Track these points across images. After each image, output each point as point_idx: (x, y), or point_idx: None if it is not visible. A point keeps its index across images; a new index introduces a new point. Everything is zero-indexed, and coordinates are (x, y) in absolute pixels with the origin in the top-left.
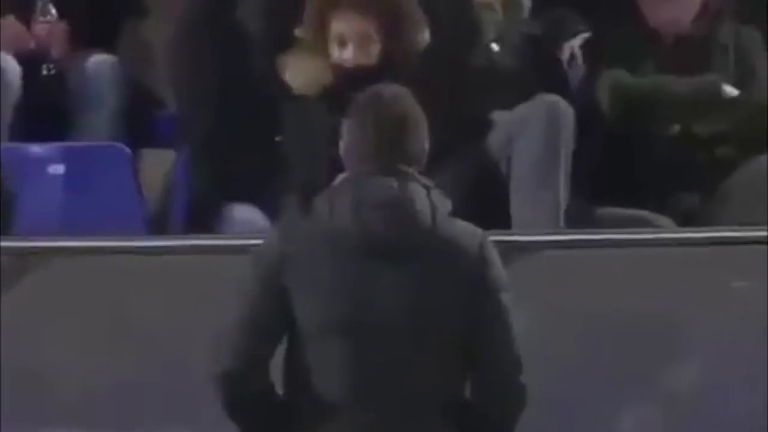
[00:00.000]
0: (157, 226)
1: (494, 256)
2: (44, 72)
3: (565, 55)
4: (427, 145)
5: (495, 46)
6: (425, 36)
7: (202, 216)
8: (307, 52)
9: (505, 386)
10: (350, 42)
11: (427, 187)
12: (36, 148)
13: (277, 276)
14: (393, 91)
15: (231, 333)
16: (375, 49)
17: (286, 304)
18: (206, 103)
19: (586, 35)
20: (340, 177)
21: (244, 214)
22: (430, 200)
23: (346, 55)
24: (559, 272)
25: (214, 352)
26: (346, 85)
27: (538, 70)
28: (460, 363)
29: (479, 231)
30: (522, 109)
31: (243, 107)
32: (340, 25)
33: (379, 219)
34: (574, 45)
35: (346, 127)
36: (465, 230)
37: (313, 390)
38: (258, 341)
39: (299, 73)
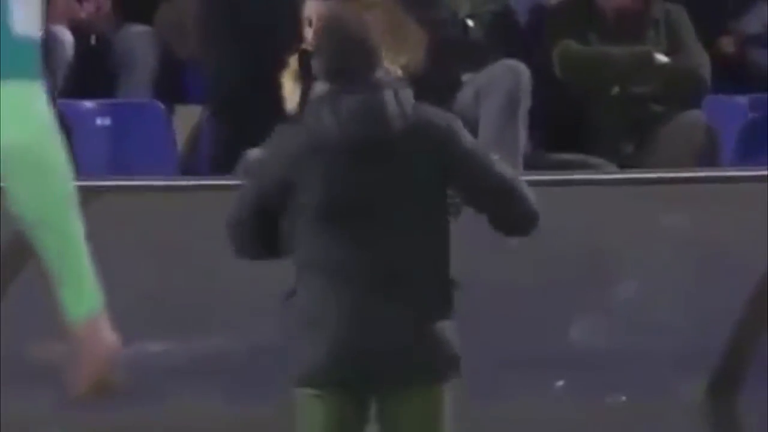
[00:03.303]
0: (187, 168)
1: (463, 129)
2: (93, 41)
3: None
4: (380, 48)
5: (469, 21)
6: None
7: (224, 159)
8: None
9: (519, 206)
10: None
11: (394, 90)
12: (87, 104)
13: (282, 171)
14: (346, 11)
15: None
16: None
17: (286, 193)
18: (228, 65)
19: None
20: (320, 89)
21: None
22: (398, 100)
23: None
24: None
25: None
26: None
27: (503, 40)
28: (444, 235)
29: (449, 114)
30: (488, 71)
31: (261, 66)
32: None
33: (358, 128)
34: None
35: (316, 45)
36: (435, 113)
37: (318, 262)
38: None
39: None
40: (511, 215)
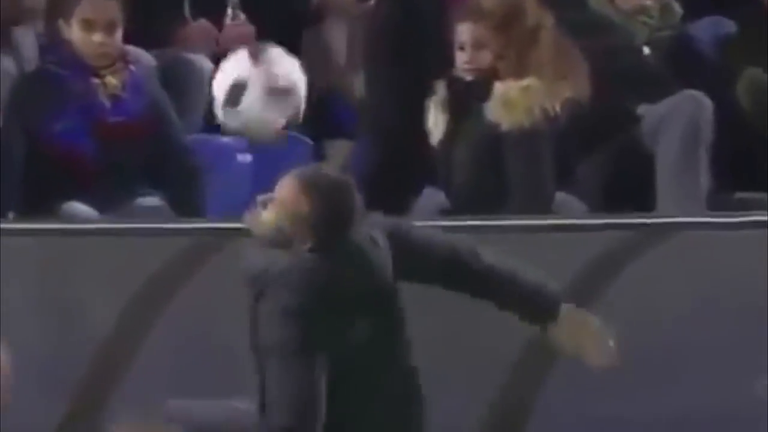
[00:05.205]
0: None
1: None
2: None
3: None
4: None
5: (646, 49)
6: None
7: (379, 197)
8: None
9: None
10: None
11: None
12: (226, 140)
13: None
14: (334, 182)
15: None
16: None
17: None
18: (379, 94)
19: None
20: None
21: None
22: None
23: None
24: (701, 252)
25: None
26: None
27: (683, 69)
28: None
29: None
30: (668, 103)
31: (410, 94)
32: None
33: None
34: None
35: (308, 215)
36: (401, 234)
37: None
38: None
39: None
40: None
